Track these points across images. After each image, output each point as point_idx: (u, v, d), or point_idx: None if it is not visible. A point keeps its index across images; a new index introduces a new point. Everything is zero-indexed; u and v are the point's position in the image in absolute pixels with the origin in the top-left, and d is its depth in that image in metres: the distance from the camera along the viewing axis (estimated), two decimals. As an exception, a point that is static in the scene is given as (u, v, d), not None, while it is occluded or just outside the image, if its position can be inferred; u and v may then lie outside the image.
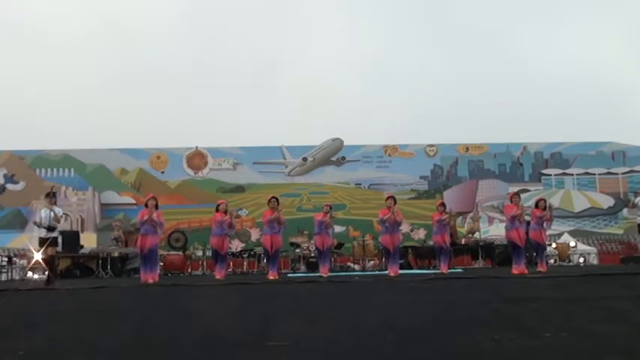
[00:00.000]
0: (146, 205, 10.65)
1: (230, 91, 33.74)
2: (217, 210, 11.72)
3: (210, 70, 34.64)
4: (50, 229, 10.22)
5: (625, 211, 22.60)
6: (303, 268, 16.01)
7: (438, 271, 12.08)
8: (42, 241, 10.26)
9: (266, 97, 34.12)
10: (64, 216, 10.97)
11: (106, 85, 33.00)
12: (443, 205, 12.89)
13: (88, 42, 33.14)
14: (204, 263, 16.58)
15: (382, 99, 33.93)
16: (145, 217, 10.44)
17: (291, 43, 35.12)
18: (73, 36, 32.92)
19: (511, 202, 11.48)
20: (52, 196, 10.54)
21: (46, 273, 10.97)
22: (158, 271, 11.28)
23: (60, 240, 16.18)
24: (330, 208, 12.15)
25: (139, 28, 34.19)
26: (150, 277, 10.37)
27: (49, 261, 10.40)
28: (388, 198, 11.72)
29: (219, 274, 11.53)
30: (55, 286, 9.71)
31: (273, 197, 11.54)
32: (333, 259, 16.32)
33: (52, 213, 10.18)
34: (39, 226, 10.32)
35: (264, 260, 13.66)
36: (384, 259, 12.12)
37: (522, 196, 19.99)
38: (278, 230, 11.24)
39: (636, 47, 36.81)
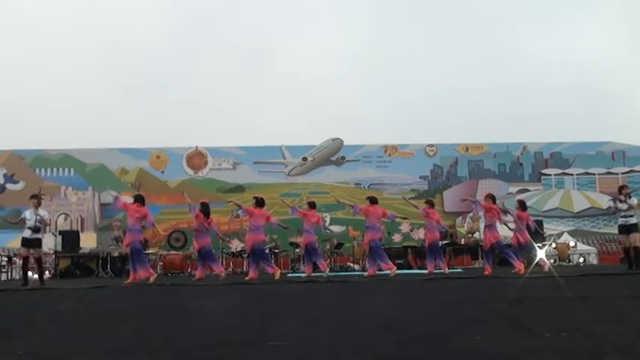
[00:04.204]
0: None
1: (230, 91, 33.78)
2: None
3: (210, 70, 34.67)
4: (35, 230, 10.15)
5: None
6: (302, 267, 15.99)
7: (439, 271, 12.04)
8: (26, 242, 10.20)
9: (266, 97, 34.14)
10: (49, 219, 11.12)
11: (106, 85, 33.03)
12: (429, 201, 12.81)
13: (87, 42, 33.17)
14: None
15: (382, 98, 33.97)
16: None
17: (290, 43, 35.13)
18: (72, 36, 32.96)
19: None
20: (37, 198, 10.42)
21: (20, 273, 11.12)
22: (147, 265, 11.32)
23: (60, 240, 16.30)
24: (311, 204, 12.17)
25: (137, 27, 34.21)
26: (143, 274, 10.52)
27: (33, 262, 10.44)
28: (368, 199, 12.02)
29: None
30: (28, 286, 9.82)
31: (254, 197, 11.86)
32: (332, 259, 16.32)
33: (37, 216, 10.12)
34: (14, 223, 10.51)
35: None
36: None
37: (523, 196, 20.16)
38: (256, 229, 11.28)
39: (636, 47, 36.83)
